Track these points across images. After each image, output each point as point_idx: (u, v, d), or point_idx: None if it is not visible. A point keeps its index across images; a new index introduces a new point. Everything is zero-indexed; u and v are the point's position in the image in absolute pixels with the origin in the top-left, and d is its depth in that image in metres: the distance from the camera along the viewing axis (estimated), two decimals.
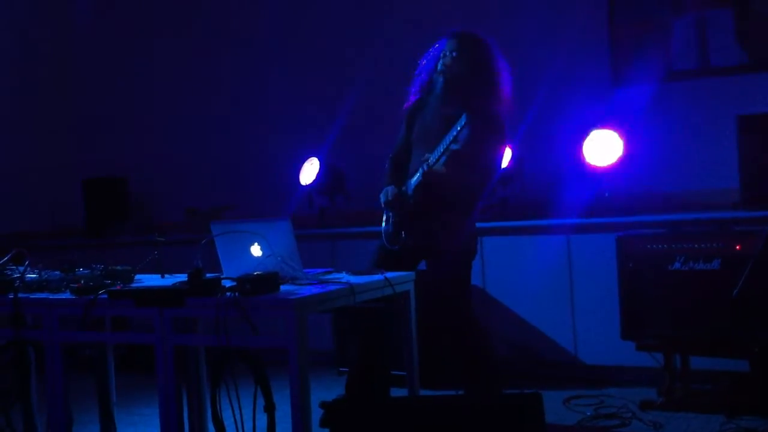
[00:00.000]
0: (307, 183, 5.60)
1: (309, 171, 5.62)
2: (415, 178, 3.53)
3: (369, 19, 5.91)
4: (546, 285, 4.59)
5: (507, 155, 4.82)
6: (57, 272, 3.33)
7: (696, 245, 3.82)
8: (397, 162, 3.77)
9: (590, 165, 4.72)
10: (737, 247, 3.72)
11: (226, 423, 2.88)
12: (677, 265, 3.84)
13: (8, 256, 3.35)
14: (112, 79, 7.07)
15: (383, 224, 3.69)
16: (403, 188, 3.59)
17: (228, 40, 6.56)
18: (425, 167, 3.43)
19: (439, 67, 3.60)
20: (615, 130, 4.71)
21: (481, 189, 3.59)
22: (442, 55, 3.59)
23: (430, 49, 3.69)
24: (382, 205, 3.65)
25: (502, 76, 3.57)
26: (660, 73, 4.96)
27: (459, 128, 3.29)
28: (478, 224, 3.82)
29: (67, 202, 6.90)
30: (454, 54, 3.54)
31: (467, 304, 3.60)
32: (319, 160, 5.59)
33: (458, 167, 3.43)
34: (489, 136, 3.48)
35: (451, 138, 3.34)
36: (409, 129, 3.75)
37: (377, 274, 3.21)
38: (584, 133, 4.75)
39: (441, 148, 3.41)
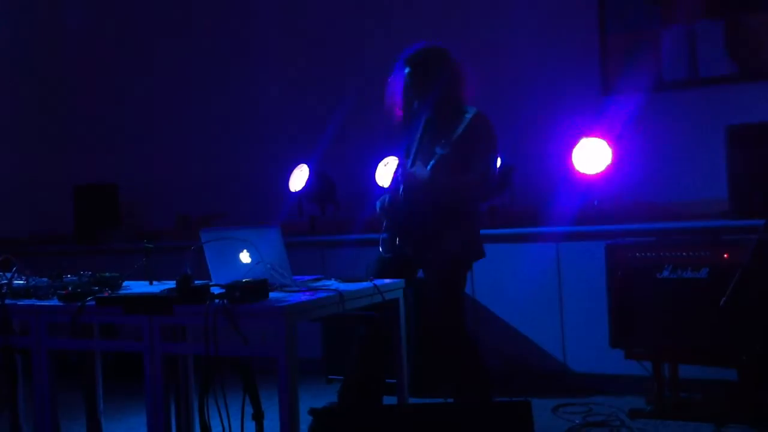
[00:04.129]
0: (297, 190, 5.59)
1: (298, 178, 5.61)
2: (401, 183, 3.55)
3: (360, 27, 5.92)
4: (535, 293, 4.60)
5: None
6: (45, 279, 3.32)
7: (684, 254, 3.83)
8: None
9: (580, 173, 4.74)
10: (725, 256, 3.73)
11: (214, 431, 2.87)
12: (666, 273, 3.85)
13: None
14: (104, 85, 7.06)
15: (381, 232, 3.69)
16: (398, 195, 3.59)
17: (220, 47, 6.56)
18: (405, 171, 3.48)
19: (409, 97, 3.62)
20: (604, 138, 4.73)
21: (475, 191, 3.56)
22: (404, 85, 3.62)
23: (392, 77, 3.69)
24: (378, 212, 3.64)
25: (462, 75, 3.59)
26: (650, 83, 4.98)
27: (443, 131, 3.35)
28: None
29: (57, 208, 6.87)
30: (411, 79, 3.58)
31: (459, 313, 3.58)
32: (309, 167, 5.58)
33: (446, 170, 3.44)
34: (476, 139, 3.49)
35: (419, 139, 3.40)
36: (407, 149, 3.76)
37: (366, 281, 3.20)
38: (574, 142, 4.77)
39: (414, 149, 3.47)
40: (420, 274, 3.70)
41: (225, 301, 2.74)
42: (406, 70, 3.59)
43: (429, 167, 3.46)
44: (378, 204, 3.61)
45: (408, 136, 3.72)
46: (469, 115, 3.51)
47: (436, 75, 3.55)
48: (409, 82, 3.59)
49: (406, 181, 3.48)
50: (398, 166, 3.76)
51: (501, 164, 4.80)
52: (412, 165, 3.49)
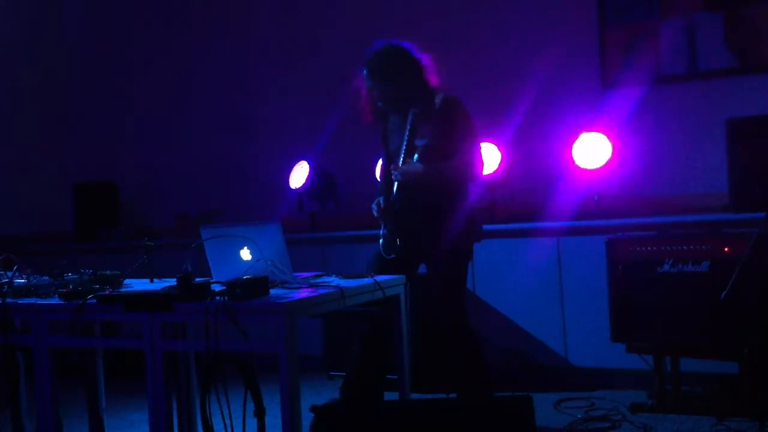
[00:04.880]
0: (297, 187, 5.59)
1: (299, 175, 5.61)
2: (395, 182, 3.55)
3: (361, 24, 5.91)
4: (536, 288, 4.60)
5: (495, 157, 4.84)
6: (46, 277, 3.32)
7: (685, 247, 3.83)
8: (387, 179, 3.78)
9: (580, 168, 4.74)
10: (726, 250, 3.73)
11: (216, 428, 2.87)
12: (666, 267, 3.85)
13: None
14: (103, 83, 7.06)
15: (381, 234, 3.69)
16: (391, 196, 3.59)
17: (219, 45, 6.55)
18: (397, 170, 3.48)
19: (374, 97, 3.66)
20: (604, 133, 4.73)
21: (467, 172, 3.56)
22: (368, 88, 3.65)
23: (357, 82, 3.72)
24: (375, 215, 3.64)
25: (421, 63, 3.59)
26: (649, 77, 4.98)
27: (411, 122, 3.39)
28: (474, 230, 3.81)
29: (57, 206, 6.88)
30: (369, 81, 3.62)
31: (461, 306, 3.59)
32: (309, 164, 5.58)
33: (435, 158, 3.45)
34: (454, 122, 3.51)
35: (408, 134, 3.43)
36: (386, 145, 3.78)
37: (367, 277, 3.20)
38: (574, 136, 4.77)
39: (404, 146, 3.47)
40: (422, 269, 3.70)
41: (226, 298, 2.74)
42: (364, 72, 3.64)
43: (416, 159, 3.47)
44: (374, 207, 3.61)
45: (386, 135, 3.74)
46: (438, 102, 3.52)
47: (394, 73, 3.57)
48: (368, 85, 3.62)
49: (402, 177, 3.48)
50: (383, 166, 3.78)
51: (501, 159, 4.82)
52: (404, 161, 3.49)
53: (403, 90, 3.57)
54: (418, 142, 3.48)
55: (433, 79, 3.60)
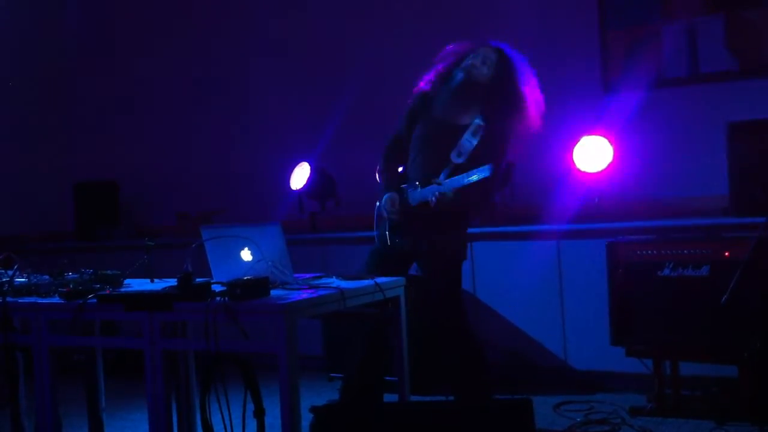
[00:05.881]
0: (298, 188, 5.59)
1: (299, 176, 5.61)
2: (419, 192, 3.47)
3: (361, 24, 5.92)
4: (536, 290, 4.60)
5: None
6: (46, 276, 3.32)
7: (685, 251, 3.83)
8: (392, 159, 3.69)
9: (580, 171, 4.74)
10: (726, 254, 3.73)
11: (215, 428, 2.87)
12: (667, 271, 3.85)
13: None
14: (104, 83, 7.06)
15: (375, 227, 3.67)
16: (405, 197, 3.54)
17: (220, 44, 6.55)
18: (436, 194, 3.38)
19: (464, 64, 3.51)
20: (605, 136, 4.73)
21: (481, 202, 3.58)
22: (472, 56, 3.51)
23: (461, 44, 3.59)
24: (381, 211, 3.60)
25: (528, 102, 3.50)
26: (650, 80, 4.97)
27: (469, 141, 3.31)
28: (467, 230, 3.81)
29: (58, 205, 6.88)
30: (487, 61, 3.49)
31: (459, 308, 3.59)
32: (309, 165, 5.58)
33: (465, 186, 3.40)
34: (492, 152, 3.44)
35: (456, 152, 3.36)
36: (411, 125, 3.65)
37: (368, 279, 3.20)
38: (574, 139, 4.77)
39: (449, 168, 3.41)
40: (413, 269, 3.69)
41: (226, 298, 2.75)
42: (494, 57, 3.50)
43: (443, 175, 3.42)
44: (385, 206, 3.55)
45: (424, 118, 3.62)
46: (486, 125, 3.45)
47: (512, 88, 3.48)
48: (487, 69, 3.48)
49: (439, 202, 3.38)
50: (401, 123, 3.70)
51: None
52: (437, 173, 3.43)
53: (495, 93, 3.48)
54: (454, 158, 3.40)
55: (530, 116, 3.50)
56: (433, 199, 3.39)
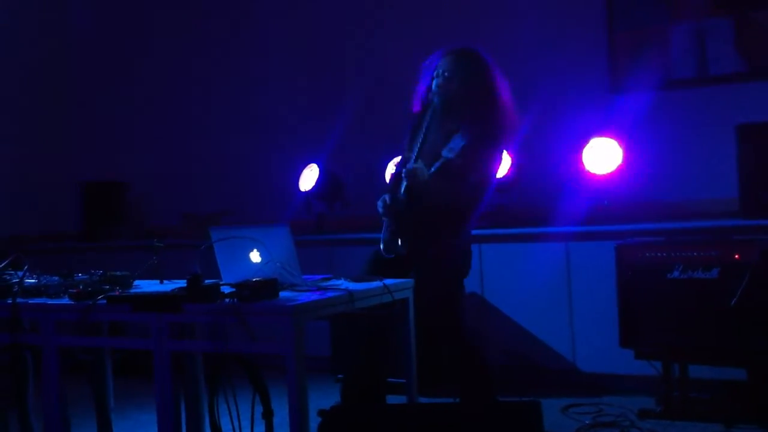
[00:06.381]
0: (307, 189, 5.59)
1: (308, 177, 5.61)
2: (403, 181, 3.50)
3: (369, 25, 5.92)
4: (544, 293, 4.59)
5: (505, 163, 4.83)
6: (56, 277, 3.32)
7: (695, 254, 3.81)
8: (399, 176, 3.74)
9: (589, 173, 4.73)
10: (736, 256, 3.71)
11: (224, 429, 2.87)
12: (676, 273, 3.84)
13: (6, 262, 3.34)
14: (111, 83, 7.08)
15: (382, 232, 3.67)
16: (398, 195, 3.56)
17: (228, 45, 6.56)
18: (406, 168, 3.42)
19: (433, 88, 3.59)
20: (614, 137, 4.72)
21: (472, 202, 3.54)
22: (435, 74, 3.58)
23: (426, 63, 3.65)
24: (379, 212, 3.62)
25: (499, 88, 3.54)
26: (659, 81, 4.96)
27: (453, 135, 3.31)
28: (475, 231, 3.80)
29: (65, 205, 6.90)
30: (446, 74, 3.54)
31: (457, 314, 3.54)
32: (318, 166, 5.58)
33: (448, 176, 3.40)
34: (482, 150, 3.45)
35: (447, 148, 3.35)
36: (412, 140, 3.70)
37: (376, 281, 3.20)
38: (583, 141, 4.76)
39: (417, 147, 3.44)
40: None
41: (235, 300, 2.75)
42: (445, 61, 3.54)
43: (433, 169, 3.42)
44: (380, 204, 3.57)
45: (416, 129, 3.67)
46: (481, 122, 3.46)
47: (476, 82, 3.51)
48: (448, 75, 3.52)
49: (409, 177, 3.43)
50: (399, 162, 3.75)
51: (510, 164, 4.81)
52: (415, 161, 3.46)
53: (469, 101, 3.50)
54: (445, 153, 3.40)
55: (505, 102, 3.54)
56: (404, 177, 3.42)
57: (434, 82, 3.57)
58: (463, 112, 3.47)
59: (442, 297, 3.48)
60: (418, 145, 3.50)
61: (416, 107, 3.70)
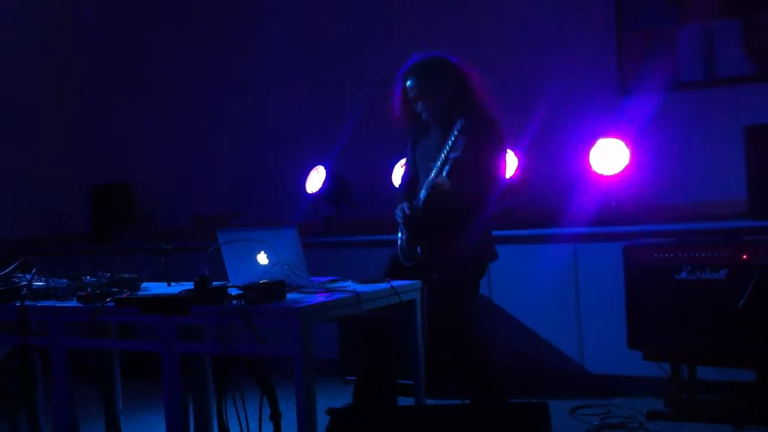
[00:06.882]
0: (314, 191, 5.60)
1: (315, 179, 5.62)
2: (423, 192, 3.50)
3: (375, 27, 5.92)
4: (552, 294, 4.58)
5: (512, 163, 4.83)
6: (64, 280, 3.34)
7: (703, 255, 3.80)
8: (409, 187, 3.77)
9: (597, 174, 4.72)
10: (744, 257, 3.71)
11: (231, 431, 2.88)
12: (684, 274, 3.83)
13: (15, 264, 3.36)
14: (119, 85, 7.09)
15: (398, 240, 3.68)
16: (414, 202, 3.56)
17: (235, 48, 6.57)
18: (430, 182, 3.43)
19: (417, 108, 3.64)
20: (622, 139, 4.71)
21: (487, 196, 3.55)
22: (411, 94, 3.63)
23: (399, 73, 3.70)
24: (397, 221, 3.62)
25: (469, 78, 3.60)
26: (667, 83, 4.95)
27: (455, 134, 3.32)
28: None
29: (74, 208, 6.92)
30: (415, 91, 3.59)
31: (465, 316, 3.54)
32: (325, 168, 5.59)
33: (461, 175, 3.41)
34: (485, 141, 3.47)
35: (449, 146, 3.36)
36: (415, 162, 3.76)
37: (383, 282, 3.20)
38: (591, 142, 4.75)
39: (441, 156, 3.42)
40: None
41: (242, 302, 2.75)
42: (409, 82, 3.61)
43: (445, 173, 3.43)
44: (398, 212, 3.57)
45: (416, 143, 3.73)
46: (474, 118, 3.47)
47: (446, 85, 3.56)
48: (414, 94, 3.60)
49: (433, 190, 3.41)
50: (405, 173, 3.77)
51: (518, 165, 4.81)
52: (439, 173, 3.45)
53: (452, 102, 3.55)
54: (451, 155, 3.43)
55: (481, 94, 3.59)
56: (428, 185, 3.44)
57: (417, 106, 3.64)
58: (453, 115, 3.48)
59: (448, 296, 3.48)
60: (442, 158, 3.50)
61: (396, 111, 3.75)
